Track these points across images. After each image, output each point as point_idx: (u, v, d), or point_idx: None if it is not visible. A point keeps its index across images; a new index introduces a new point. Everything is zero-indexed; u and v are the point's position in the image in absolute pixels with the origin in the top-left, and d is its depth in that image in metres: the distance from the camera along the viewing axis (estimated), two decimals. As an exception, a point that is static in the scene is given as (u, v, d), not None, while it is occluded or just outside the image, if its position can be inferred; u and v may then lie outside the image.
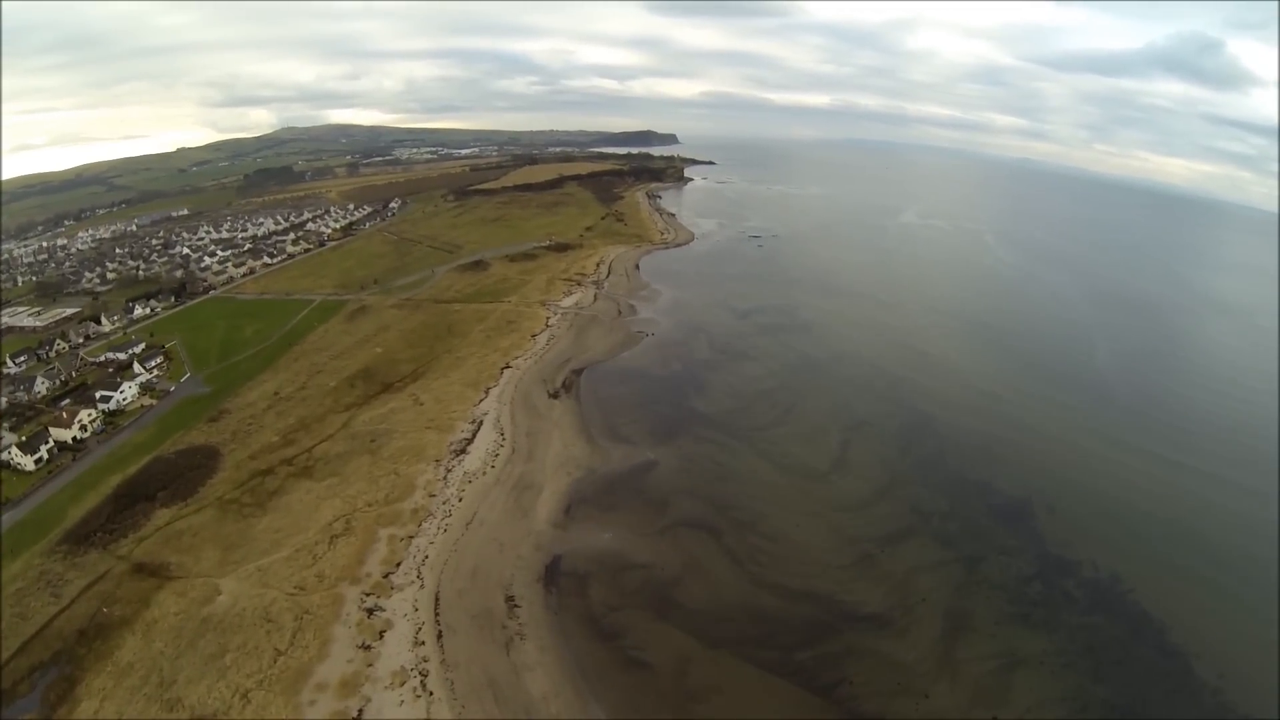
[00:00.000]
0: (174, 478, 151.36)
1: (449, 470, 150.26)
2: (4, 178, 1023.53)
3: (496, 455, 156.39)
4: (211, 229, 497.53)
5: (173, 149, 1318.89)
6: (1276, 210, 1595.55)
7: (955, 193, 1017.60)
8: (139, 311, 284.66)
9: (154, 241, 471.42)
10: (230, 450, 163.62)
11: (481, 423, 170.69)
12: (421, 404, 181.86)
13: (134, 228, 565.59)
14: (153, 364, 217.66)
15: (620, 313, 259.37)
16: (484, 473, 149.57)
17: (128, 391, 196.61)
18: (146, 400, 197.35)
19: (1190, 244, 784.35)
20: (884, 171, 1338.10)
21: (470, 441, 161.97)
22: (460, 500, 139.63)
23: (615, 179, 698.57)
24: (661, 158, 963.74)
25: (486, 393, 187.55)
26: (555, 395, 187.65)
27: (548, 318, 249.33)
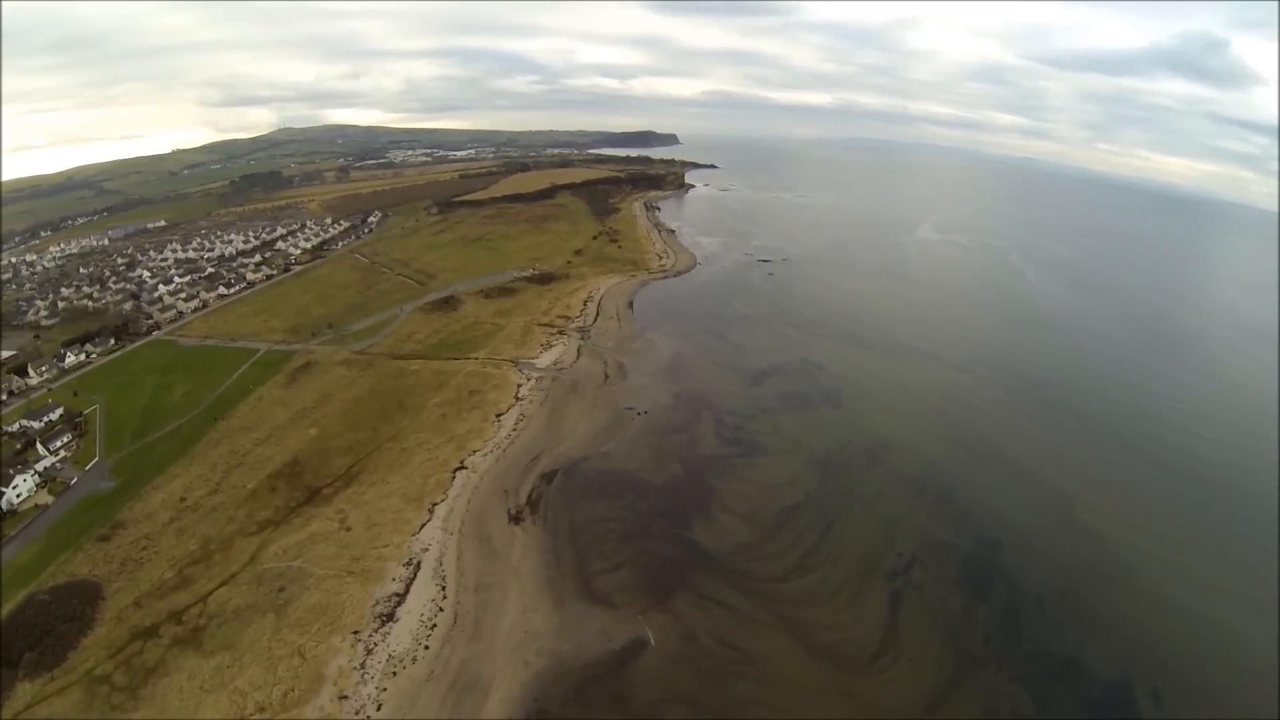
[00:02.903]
0: (44, 633, 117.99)
1: (370, 650, 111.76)
2: (2, 179, 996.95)
3: (433, 626, 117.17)
4: (179, 246, 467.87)
5: (169, 150, 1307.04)
6: (1277, 210, 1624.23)
7: (966, 199, 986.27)
8: (71, 360, 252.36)
9: (119, 260, 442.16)
10: (115, 590, 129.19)
11: (419, 566, 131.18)
12: (349, 528, 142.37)
13: (106, 241, 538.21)
14: (60, 444, 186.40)
15: (607, 376, 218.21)
16: (414, 657, 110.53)
17: (22, 486, 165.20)
18: (43, 497, 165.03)
19: (1213, 256, 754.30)
20: (889, 174, 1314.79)
21: (401, 599, 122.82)
22: (379, 708, 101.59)
23: (611, 187, 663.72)
24: (661, 162, 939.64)
25: (431, 511, 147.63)
26: (517, 518, 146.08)
27: (518, 385, 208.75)
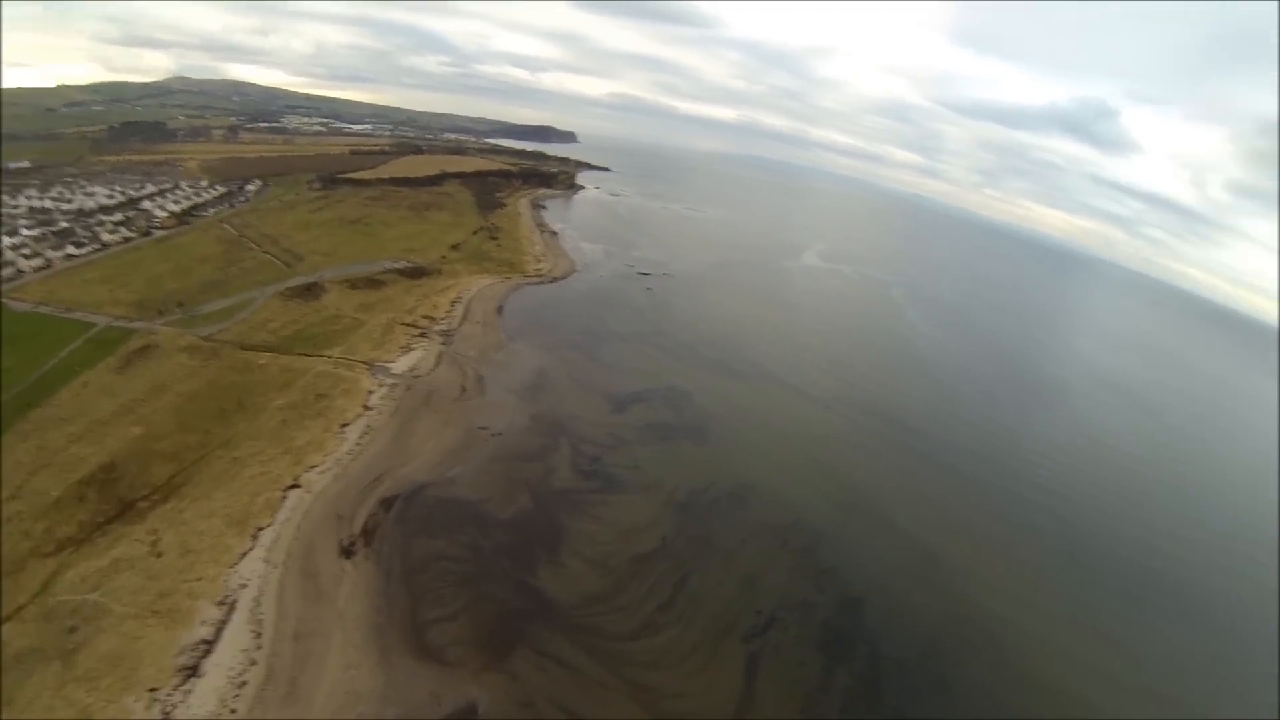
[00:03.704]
0: None
1: (167, 714, 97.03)
2: None
3: (243, 683, 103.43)
4: (37, 193, 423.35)
5: (54, 84, 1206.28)
6: (1141, 270, 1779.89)
7: (855, 228, 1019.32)
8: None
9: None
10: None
11: (234, 606, 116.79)
12: (160, 554, 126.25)
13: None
14: None
15: (464, 389, 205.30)
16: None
17: None
18: None
19: (1081, 309, 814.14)
20: (783, 196, 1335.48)
21: (210, 648, 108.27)
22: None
23: (502, 180, 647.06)
24: (556, 159, 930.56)
25: (255, 538, 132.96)
26: (349, 551, 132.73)
27: (369, 392, 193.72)
